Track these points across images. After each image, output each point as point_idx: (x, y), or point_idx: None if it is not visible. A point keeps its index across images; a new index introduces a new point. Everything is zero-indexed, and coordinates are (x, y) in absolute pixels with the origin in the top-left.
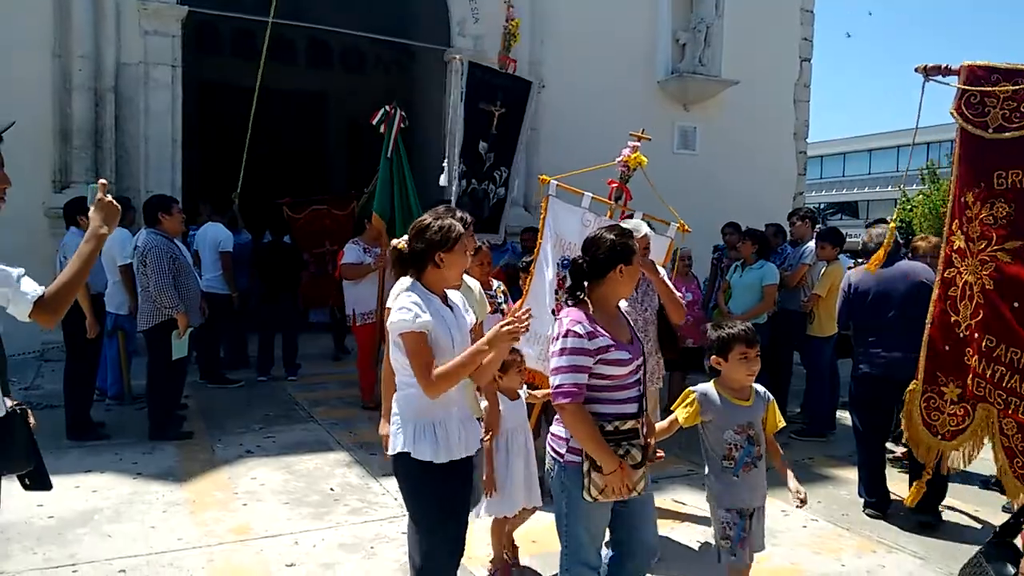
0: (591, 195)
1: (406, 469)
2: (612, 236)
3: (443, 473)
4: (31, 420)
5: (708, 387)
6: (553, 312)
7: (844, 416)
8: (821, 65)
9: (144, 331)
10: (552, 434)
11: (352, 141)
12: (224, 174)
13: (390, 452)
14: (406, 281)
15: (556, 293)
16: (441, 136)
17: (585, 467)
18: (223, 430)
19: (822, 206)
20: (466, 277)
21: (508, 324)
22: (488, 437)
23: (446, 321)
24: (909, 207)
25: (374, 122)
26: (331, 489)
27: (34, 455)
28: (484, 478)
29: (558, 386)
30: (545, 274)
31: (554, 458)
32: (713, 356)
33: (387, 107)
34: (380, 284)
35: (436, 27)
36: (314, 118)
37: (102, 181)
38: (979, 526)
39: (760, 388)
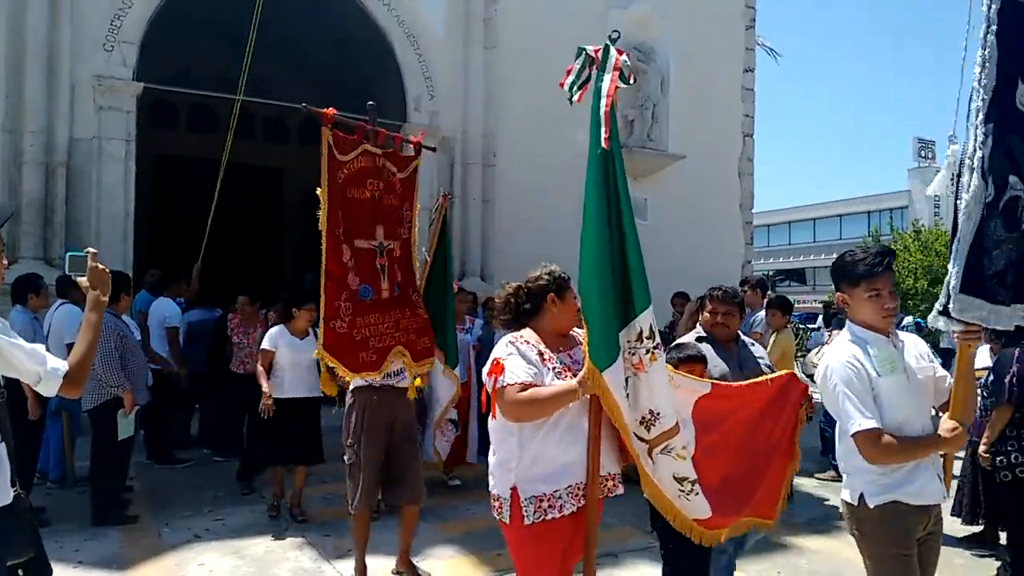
0: None
1: None
2: None
3: None
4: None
5: None
6: None
7: (800, 483)
8: (765, 139)
9: (88, 411)
10: None
11: (308, 215)
12: (177, 247)
13: None
14: None
15: None
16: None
17: None
18: (170, 513)
19: (770, 273)
20: None
21: None
22: None
23: None
24: None
25: (565, 85)
26: (282, 575)
27: (36, 542)
28: None
29: None
30: None
31: None
32: None
33: (589, 51)
34: (593, 446)
35: (393, 103)
36: (270, 192)
37: (92, 250)
38: None
39: None
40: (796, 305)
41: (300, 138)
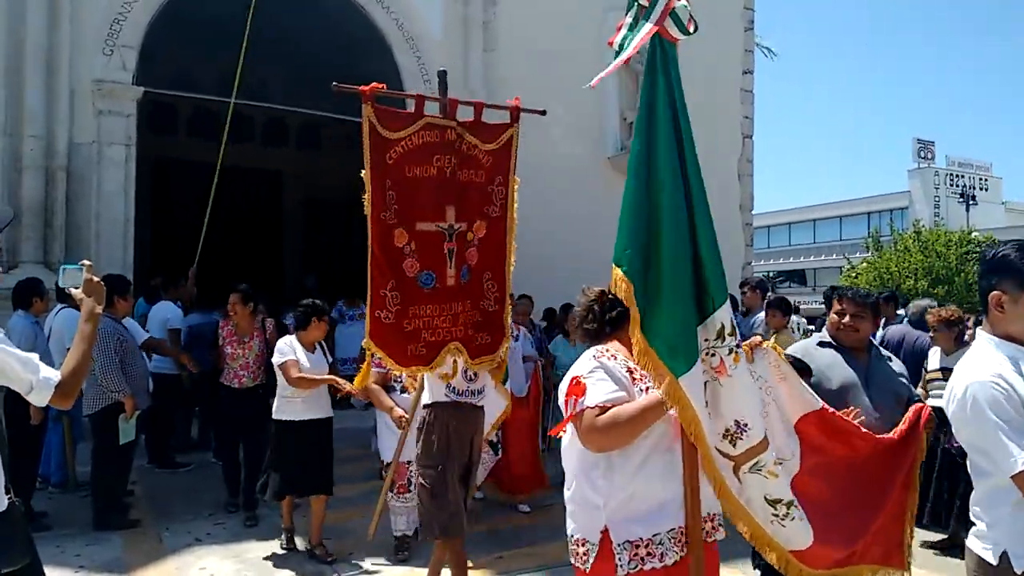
0: None
1: None
2: None
3: None
4: None
5: None
6: None
7: None
8: (765, 140)
9: (89, 415)
10: None
11: (309, 218)
12: (178, 251)
13: None
14: None
15: None
16: None
17: None
18: (171, 517)
19: (771, 274)
20: None
21: None
22: None
23: None
24: (854, 274)
25: (615, 43)
26: None
27: (31, 548)
28: None
29: None
30: None
31: None
32: None
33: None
34: (690, 472)
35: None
36: (269, 195)
37: (87, 262)
38: None
39: None
40: (800, 306)
41: (299, 141)
